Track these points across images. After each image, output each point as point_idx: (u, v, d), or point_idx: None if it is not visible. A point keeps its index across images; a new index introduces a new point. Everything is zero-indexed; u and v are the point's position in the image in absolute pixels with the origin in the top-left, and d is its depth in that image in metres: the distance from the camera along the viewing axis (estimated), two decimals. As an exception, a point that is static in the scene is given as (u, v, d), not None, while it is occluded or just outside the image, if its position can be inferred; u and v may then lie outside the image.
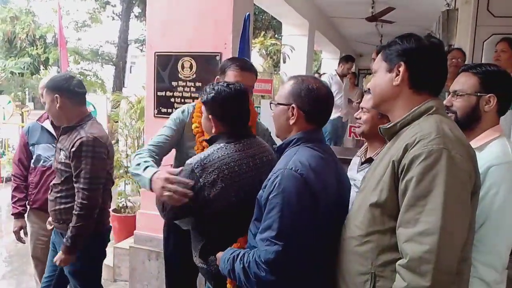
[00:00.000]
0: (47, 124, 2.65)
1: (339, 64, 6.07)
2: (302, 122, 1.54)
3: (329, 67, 9.96)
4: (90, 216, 2.16)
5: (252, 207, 1.54)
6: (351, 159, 2.16)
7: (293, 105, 1.52)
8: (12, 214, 2.69)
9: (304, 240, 1.39)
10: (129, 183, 4.56)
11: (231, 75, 2.04)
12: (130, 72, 19.84)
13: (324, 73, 7.58)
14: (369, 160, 1.86)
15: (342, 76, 5.99)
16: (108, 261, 3.93)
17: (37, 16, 12.29)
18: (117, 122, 7.57)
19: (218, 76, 2.13)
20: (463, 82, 1.62)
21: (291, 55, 6.38)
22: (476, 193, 1.25)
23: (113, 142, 6.06)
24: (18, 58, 10.08)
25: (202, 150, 2.00)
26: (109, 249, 4.10)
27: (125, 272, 3.67)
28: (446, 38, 4.92)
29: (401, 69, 1.31)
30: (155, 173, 1.76)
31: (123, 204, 4.44)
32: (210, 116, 1.77)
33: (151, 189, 1.77)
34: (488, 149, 1.55)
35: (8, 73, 9.65)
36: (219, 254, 1.65)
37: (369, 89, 1.92)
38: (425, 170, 1.14)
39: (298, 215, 1.38)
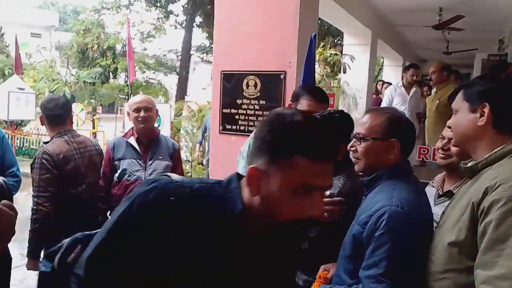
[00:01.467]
0: (132, 140, 2.77)
1: (402, 74, 5.86)
2: (398, 155, 1.54)
3: (391, 74, 9.70)
4: (41, 222, 2.43)
5: None
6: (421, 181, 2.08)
7: (394, 139, 1.52)
8: None
9: (410, 277, 1.39)
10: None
11: (304, 104, 2.09)
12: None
13: (388, 83, 7.34)
14: (448, 193, 1.80)
15: (407, 86, 5.76)
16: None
17: (106, 27, 13.11)
18: (179, 129, 7.90)
19: (290, 102, 2.19)
20: None
21: (352, 64, 6.28)
22: None
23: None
24: (90, 68, 10.81)
25: None
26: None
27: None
28: (522, 48, 4.61)
29: (486, 110, 1.31)
30: None
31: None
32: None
33: None
34: None
35: (82, 82, 10.36)
36: None
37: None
38: (505, 216, 1.14)
39: (406, 252, 1.37)
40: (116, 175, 2.73)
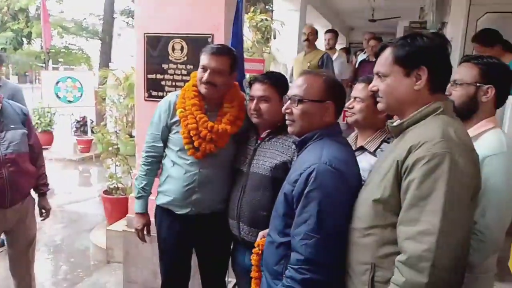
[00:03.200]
0: None
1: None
2: (332, 117, 1.60)
3: (319, 42, 9.84)
4: None
5: None
6: None
7: (330, 101, 1.57)
8: None
9: (340, 230, 1.43)
10: (119, 165, 4.50)
11: (201, 59, 2.12)
12: (116, 44, 19.37)
13: None
14: (361, 148, 1.87)
15: (329, 51, 5.85)
16: (101, 243, 3.93)
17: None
18: (104, 98, 7.46)
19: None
20: (464, 72, 1.64)
21: (282, 30, 6.25)
22: (476, 195, 1.27)
23: (102, 123, 5.96)
24: (0, 33, 9.75)
25: (188, 133, 2.11)
26: (101, 231, 4.11)
27: (119, 255, 3.67)
28: (439, 16, 4.85)
29: (423, 73, 1.30)
30: (140, 212, 2.38)
31: (114, 186, 4.40)
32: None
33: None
34: (483, 140, 1.59)
35: (-10, 48, 9.38)
36: None
37: (362, 79, 1.90)
38: (428, 172, 1.17)
39: (335, 208, 1.42)
40: None
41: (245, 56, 5.15)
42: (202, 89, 2.13)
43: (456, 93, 1.64)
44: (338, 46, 7.31)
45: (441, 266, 1.15)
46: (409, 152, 1.22)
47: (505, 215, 1.55)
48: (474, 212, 1.31)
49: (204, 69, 2.10)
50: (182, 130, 2.15)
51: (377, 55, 1.39)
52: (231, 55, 2.15)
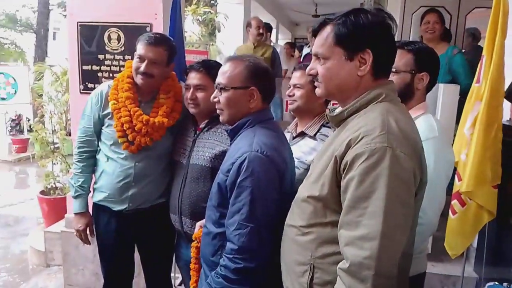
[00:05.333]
0: None
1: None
2: (259, 103, 1.56)
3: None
4: None
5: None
6: None
7: (253, 87, 1.53)
8: None
9: (273, 220, 1.40)
10: (57, 163, 4.26)
11: (137, 49, 2.03)
12: (54, 39, 18.38)
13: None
14: (301, 134, 1.87)
15: None
16: (39, 246, 3.72)
17: None
18: (41, 95, 7.04)
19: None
20: (398, 59, 1.56)
21: (227, 24, 6.20)
22: (422, 189, 1.20)
23: (36, 119, 5.60)
24: None
25: (122, 127, 2.02)
26: (39, 233, 3.88)
27: (58, 257, 3.49)
28: (378, 10, 5.00)
29: (368, 57, 1.17)
30: (79, 212, 2.24)
31: (52, 186, 4.17)
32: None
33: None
34: None
35: None
36: None
37: (299, 66, 1.89)
38: (367, 170, 1.06)
39: (268, 195, 1.40)
40: None
41: (189, 48, 5.06)
42: (138, 80, 2.04)
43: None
44: (282, 42, 7.40)
45: (384, 274, 1.05)
46: (348, 146, 1.11)
47: (439, 197, 1.57)
48: (419, 207, 1.23)
49: (141, 59, 2.01)
50: (115, 123, 2.05)
51: (315, 32, 1.24)
52: (168, 45, 2.07)
